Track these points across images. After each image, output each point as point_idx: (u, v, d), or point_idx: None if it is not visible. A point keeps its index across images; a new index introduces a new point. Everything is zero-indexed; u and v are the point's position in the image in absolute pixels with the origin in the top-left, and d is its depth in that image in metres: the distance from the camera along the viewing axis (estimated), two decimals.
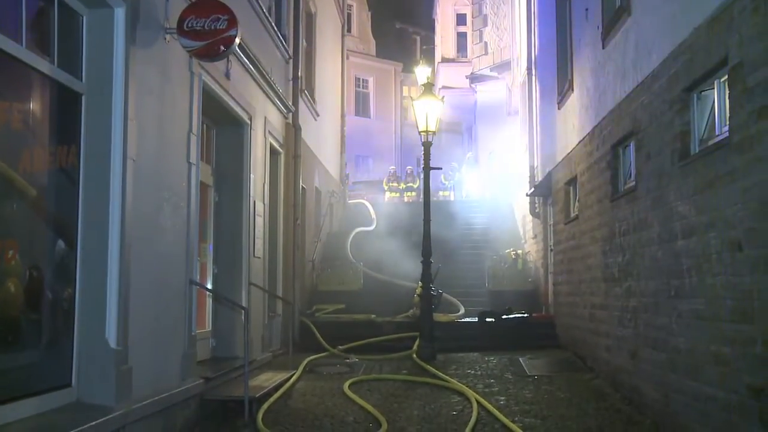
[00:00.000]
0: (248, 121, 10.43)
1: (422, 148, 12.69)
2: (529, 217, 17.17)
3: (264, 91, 11.48)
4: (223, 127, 10.21)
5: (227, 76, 9.35)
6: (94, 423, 5.41)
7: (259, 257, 11.01)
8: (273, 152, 12.37)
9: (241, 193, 10.32)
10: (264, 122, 11.47)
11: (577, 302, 11.68)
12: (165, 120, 7.27)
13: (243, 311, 9.19)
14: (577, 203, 11.83)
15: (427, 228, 12.47)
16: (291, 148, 13.32)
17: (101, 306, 6.04)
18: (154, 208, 7.02)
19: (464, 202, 24.23)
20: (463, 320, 14.65)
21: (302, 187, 14.34)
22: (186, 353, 7.68)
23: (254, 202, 10.72)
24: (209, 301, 9.90)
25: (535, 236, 16.54)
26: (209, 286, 9.81)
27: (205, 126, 9.67)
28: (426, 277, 12.35)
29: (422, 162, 12.88)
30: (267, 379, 9.43)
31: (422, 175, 13.27)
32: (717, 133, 6.26)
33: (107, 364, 5.98)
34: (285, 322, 12.72)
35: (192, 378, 7.75)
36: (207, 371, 8.42)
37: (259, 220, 11.07)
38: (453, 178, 27.61)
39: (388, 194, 27.12)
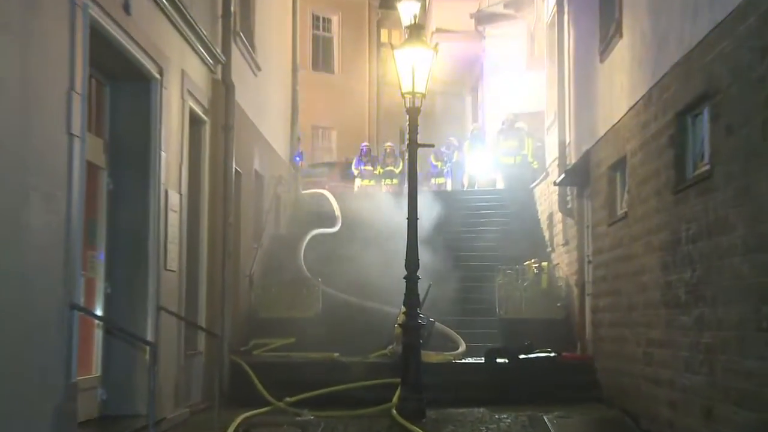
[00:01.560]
0: (158, 76, 10.33)
1: (407, 116, 12.58)
2: (558, 216, 17.12)
3: (181, 33, 11.36)
4: (122, 84, 10.09)
5: (126, 9, 9.20)
6: None
7: (173, 270, 10.96)
8: (194, 121, 12.26)
9: (148, 179, 10.24)
10: (181, 77, 11.39)
11: (626, 336, 11.66)
12: (31, 72, 7.09)
13: (148, 348, 9.02)
14: (626, 196, 11.83)
15: (412, 230, 12.33)
16: (220, 115, 13.25)
17: None
18: (16, 199, 6.85)
19: (466, 193, 24.12)
20: (463, 361, 14.60)
21: (236, 171, 14.24)
22: (61, 410, 7.49)
23: (166, 191, 10.65)
24: (98, 334, 9.77)
25: (567, 242, 16.51)
26: (99, 313, 9.69)
27: (94, 82, 9.54)
28: (411, 299, 12.23)
29: (407, 137, 12.76)
30: None
31: (407, 155, 13.13)
32: None
33: None
34: (210, 363, 12.64)
35: None
36: None
37: (174, 218, 10.99)
38: (450, 160, 27.53)
39: (359, 182, 26.93)
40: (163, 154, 10.46)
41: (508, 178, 23.46)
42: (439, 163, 28.17)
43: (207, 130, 12.90)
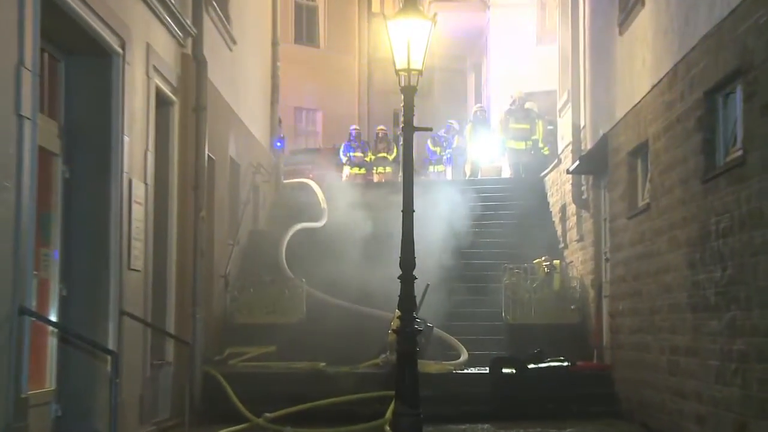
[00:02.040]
0: (119, 50, 10.28)
1: (401, 96, 12.52)
2: (572, 208, 17.12)
3: (146, 1, 11.31)
4: (78, 60, 10.03)
5: None
6: None
7: (137, 270, 10.93)
8: (162, 101, 12.23)
9: (108, 167, 10.20)
10: (146, 52, 11.35)
11: (648, 343, 11.67)
12: None
13: (109, 358, 9.01)
14: (648, 185, 11.84)
15: (408, 223, 12.27)
16: (191, 94, 13.24)
17: None
18: None
19: (468, 183, 24.08)
20: (465, 371, 14.64)
21: (209, 158, 14.22)
22: (9, 428, 7.43)
23: (130, 180, 10.62)
24: (53, 342, 9.70)
25: (582, 238, 16.51)
26: (53, 318, 9.61)
27: (47, 56, 9.47)
28: (407, 302, 12.18)
29: (401, 119, 12.71)
30: None
31: (401, 140, 13.10)
32: None
33: None
34: (179, 374, 12.63)
35: None
36: None
37: (139, 211, 10.97)
38: (450, 145, 27.51)
39: (347, 170, 26.91)
40: (125, 138, 10.39)
41: (516, 165, 23.42)
42: (437, 149, 28.13)
43: (176, 111, 12.83)
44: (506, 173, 24.86)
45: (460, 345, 15.53)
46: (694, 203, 9.72)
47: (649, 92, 11.43)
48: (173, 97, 12.70)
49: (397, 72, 12.53)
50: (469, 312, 16.93)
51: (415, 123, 12.59)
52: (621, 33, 12.97)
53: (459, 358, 15.17)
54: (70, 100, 10.06)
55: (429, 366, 13.92)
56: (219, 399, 13.30)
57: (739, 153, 8.53)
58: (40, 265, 9.34)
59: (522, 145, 23.07)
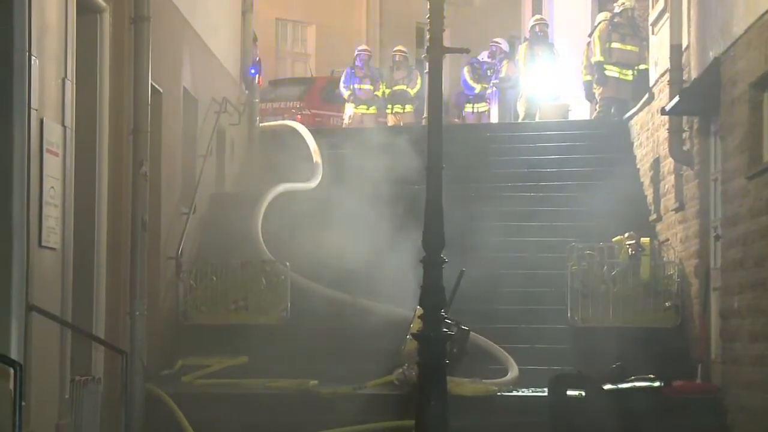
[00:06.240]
0: None
1: (427, 5, 12.46)
2: (669, 163, 17.08)
3: None
4: None
5: None
6: None
7: (52, 248, 11.01)
8: (86, 8, 12.28)
9: (10, 102, 10.12)
10: None
11: None
12: None
13: (12, 371, 9.13)
14: None
15: (434, 185, 12.22)
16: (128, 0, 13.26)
17: None
18: None
19: (523, 129, 24.02)
20: (515, 393, 14.75)
21: (154, 90, 14.24)
22: None
23: (41, 121, 10.65)
24: None
25: (682, 206, 16.46)
26: None
27: None
28: (433, 295, 12.14)
29: (427, 38, 12.64)
30: None
31: (426, 68, 13.04)
32: None
33: None
34: (112, 395, 12.73)
35: None
36: None
37: (54, 164, 11.02)
38: (497, 74, 27.46)
39: (351, 109, 26.85)
40: (34, 60, 10.35)
41: (610, 102, 23.07)
42: (478, 86, 28.04)
43: (106, 23, 12.86)
44: (581, 113, 24.72)
45: (507, 356, 15.59)
46: None
47: None
48: (102, 3, 12.68)
49: None
50: (519, 310, 16.95)
51: (447, 42, 12.54)
52: None
53: (506, 374, 15.23)
54: None
55: (463, 386, 14.04)
56: (167, 429, 13.43)
57: None
58: None
59: (628, 75, 22.82)
